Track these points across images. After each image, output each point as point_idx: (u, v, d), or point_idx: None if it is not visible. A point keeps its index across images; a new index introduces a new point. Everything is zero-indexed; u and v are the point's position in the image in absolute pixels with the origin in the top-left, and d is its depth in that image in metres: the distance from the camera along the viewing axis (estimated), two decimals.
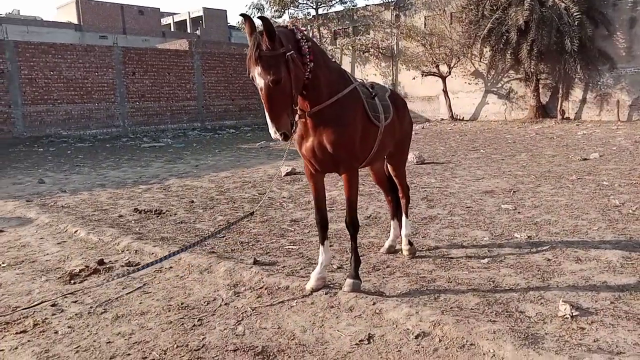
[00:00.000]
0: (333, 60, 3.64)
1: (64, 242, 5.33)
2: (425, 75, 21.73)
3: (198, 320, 3.32)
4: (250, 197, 7.36)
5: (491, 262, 4.22)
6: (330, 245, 4.95)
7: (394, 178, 4.46)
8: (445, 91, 21.71)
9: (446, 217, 5.89)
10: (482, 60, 20.83)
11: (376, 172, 4.58)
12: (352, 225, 3.60)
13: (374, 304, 3.29)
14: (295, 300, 3.48)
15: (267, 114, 2.91)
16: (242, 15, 2.91)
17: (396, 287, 3.72)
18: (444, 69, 21.53)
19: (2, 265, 4.65)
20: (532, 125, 18.72)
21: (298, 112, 3.19)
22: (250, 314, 3.36)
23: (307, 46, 3.05)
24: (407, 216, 4.51)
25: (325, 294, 3.50)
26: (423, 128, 19.71)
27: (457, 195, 7.05)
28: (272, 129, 2.92)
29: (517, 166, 9.49)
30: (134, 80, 21.66)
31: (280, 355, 2.86)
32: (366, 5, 25.08)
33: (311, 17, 25.99)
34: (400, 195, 4.53)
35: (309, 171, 3.60)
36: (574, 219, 5.51)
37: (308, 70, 3.07)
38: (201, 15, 49.23)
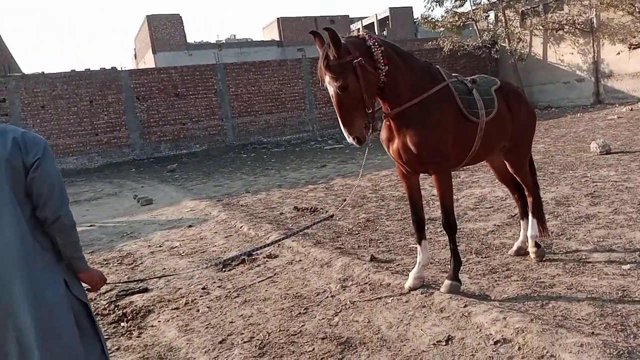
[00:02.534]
0: (425, 60, 3.63)
1: (230, 236, 6.31)
2: (635, 48, 18.52)
3: (304, 309, 3.72)
4: (400, 196, 7.52)
5: (634, 269, 3.66)
6: (458, 245, 4.86)
7: (515, 176, 4.18)
8: None
9: (607, 215, 5.19)
10: None
11: (497, 170, 4.36)
12: (449, 226, 3.56)
13: (465, 306, 3.23)
14: (392, 298, 3.61)
15: (339, 119, 3.13)
16: (311, 32, 3.19)
17: (504, 291, 3.55)
18: None
19: (182, 254, 5.78)
20: None
21: (381, 115, 3.34)
22: (349, 307, 3.62)
23: (379, 51, 3.17)
24: (534, 216, 4.18)
25: (422, 293, 3.55)
26: (632, 110, 16.89)
27: (633, 190, 6.07)
28: (345, 133, 3.13)
29: None
30: (320, 88, 23.22)
31: (361, 347, 3.06)
32: None
33: (495, 0, 24.43)
34: (527, 193, 4.23)
35: (400, 172, 3.69)
36: None
37: (383, 74, 3.18)
38: (388, 16, 50.25)
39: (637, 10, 18.17)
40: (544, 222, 4.32)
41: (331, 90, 3.09)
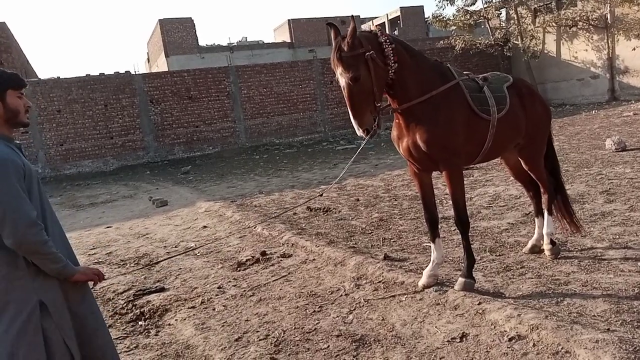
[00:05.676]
0: (435, 59, 3.65)
1: (244, 236, 6.36)
2: None
3: (319, 307, 3.75)
4: (412, 195, 7.51)
5: None
6: (472, 244, 4.86)
7: (529, 173, 4.17)
8: None
9: (623, 213, 5.15)
10: None
11: (512, 167, 4.35)
12: (461, 223, 3.57)
13: (479, 303, 3.23)
14: (406, 295, 3.63)
15: (349, 111, 3.16)
16: (328, 24, 3.23)
17: (519, 289, 3.55)
18: None
19: (198, 254, 5.85)
20: None
21: (388, 110, 3.38)
22: (363, 305, 3.64)
23: (390, 48, 3.20)
24: (549, 213, 4.17)
25: (436, 291, 3.56)
26: None
27: None
28: (355, 125, 3.16)
29: None
30: (332, 88, 23.43)
31: (375, 344, 3.08)
32: None
33: None
34: (542, 190, 4.22)
35: (412, 170, 3.70)
36: None
37: (392, 70, 3.21)
38: (399, 15, 50.11)
39: None
40: (572, 216, 4.29)
41: (343, 81, 3.12)
